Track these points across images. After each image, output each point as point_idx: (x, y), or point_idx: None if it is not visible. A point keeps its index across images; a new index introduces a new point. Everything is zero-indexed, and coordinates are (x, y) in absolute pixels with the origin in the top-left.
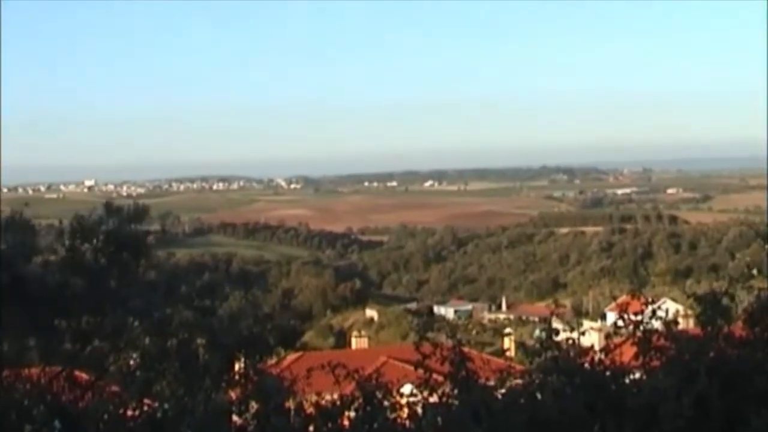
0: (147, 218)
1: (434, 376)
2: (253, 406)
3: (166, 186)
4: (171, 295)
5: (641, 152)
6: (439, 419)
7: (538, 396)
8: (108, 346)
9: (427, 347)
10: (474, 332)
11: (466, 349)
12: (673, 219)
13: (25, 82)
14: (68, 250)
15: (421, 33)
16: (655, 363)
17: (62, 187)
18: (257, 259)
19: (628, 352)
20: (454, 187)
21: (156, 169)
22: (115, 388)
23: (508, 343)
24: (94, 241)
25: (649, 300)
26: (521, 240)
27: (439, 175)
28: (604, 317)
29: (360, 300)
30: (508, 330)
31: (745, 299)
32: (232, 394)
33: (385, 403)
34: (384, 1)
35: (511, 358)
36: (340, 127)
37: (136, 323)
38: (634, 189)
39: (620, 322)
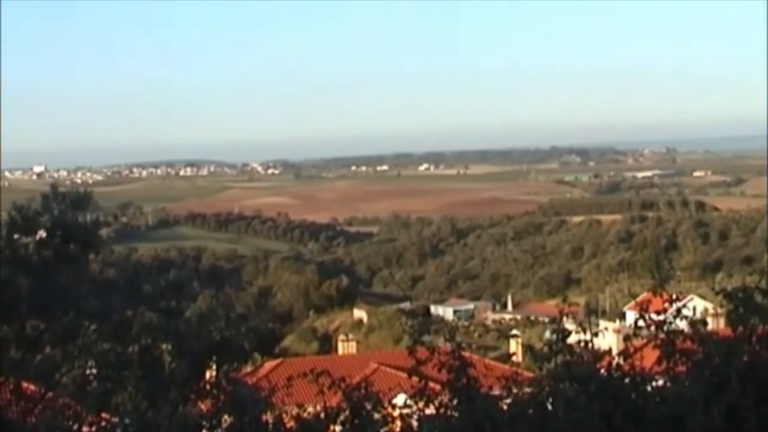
0: (91, 205)
1: (431, 384)
2: (226, 420)
3: (126, 172)
4: (132, 295)
5: (664, 130)
6: None
7: (549, 406)
8: (59, 354)
9: (422, 352)
10: (476, 335)
11: (466, 354)
12: (701, 205)
13: None
14: (7, 244)
15: None
16: (681, 368)
17: (7, 174)
18: (230, 254)
19: (649, 357)
20: (452, 171)
21: (115, 153)
22: (68, 401)
23: (514, 346)
24: (37, 233)
25: (674, 297)
26: (529, 230)
27: (436, 158)
28: (622, 317)
29: (347, 299)
30: (514, 332)
31: None
32: (203, 407)
33: (376, 415)
34: None
35: (517, 364)
36: (323, 104)
37: (92, 327)
38: (657, 172)
39: (641, 323)
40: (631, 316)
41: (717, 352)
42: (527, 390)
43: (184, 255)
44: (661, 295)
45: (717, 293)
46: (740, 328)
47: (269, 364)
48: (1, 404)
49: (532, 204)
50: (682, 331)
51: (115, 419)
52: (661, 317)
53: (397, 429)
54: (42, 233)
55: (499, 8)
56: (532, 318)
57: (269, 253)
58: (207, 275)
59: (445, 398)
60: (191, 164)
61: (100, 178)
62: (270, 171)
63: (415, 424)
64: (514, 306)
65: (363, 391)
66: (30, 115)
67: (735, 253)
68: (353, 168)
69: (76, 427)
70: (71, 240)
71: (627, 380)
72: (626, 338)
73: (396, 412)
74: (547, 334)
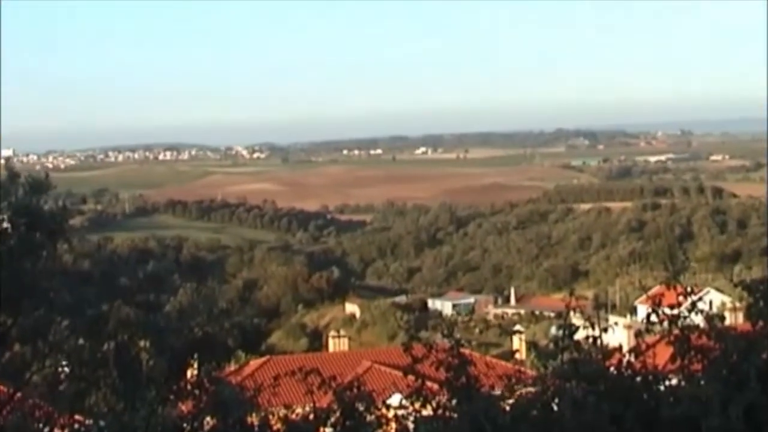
0: (62, 192)
1: (428, 384)
2: (209, 422)
3: (101, 156)
4: (107, 288)
5: (678, 111)
6: None
7: (554, 407)
8: (29, 351)
9: (419, 349)
10: (476, 331)
11: (466, 351)
12: (718, 192)
13: None
14: None
15: None
16: (696, 366)
17: None
18: (213, 244)
19: (662, 354)
20: (451, 156)
21: (89, 136)
22: (38, 402)
23: (517, 343)
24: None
25: (689, 290)
26: (533, 219)
27: (434, 141)
28: (633, 312)
29: (338, 293)
30: (517, 328)
31: None
32: (183, 408)
33: (369, 416)
34: None
35: (521, 362)
36: (312, 84)
37: (64, 322)
38: (670, 156)
39: (653, 318)
40: (642, 310)
41: (735, 348)
42: (531, 389)
43: (164, 245)
44: (675, 288)
45: (735, 286)
46: (760, 323)
47: (255, 363)
48: None
49: (536, 190)
50: (697, 327)
51: (89, 421)
52: (675, 312)
53: (392, 431)
54: (4, 221)
55: None
56: (537, 313)
57: (255, 244)
58: (188, 267)
59: (444, 398)
60: (171, 148)
61: (72, 162)
62: (256, 155)
63: (411, 426)
64: (518, 300)
65: (355, 390)
66: None
67: (754, 243)
68: (345, 152)
69: (47, 429)
70: (36, 228)
71: (638, 379)
72: (638, 334)
73: (391, 414)
74: (553, 330)
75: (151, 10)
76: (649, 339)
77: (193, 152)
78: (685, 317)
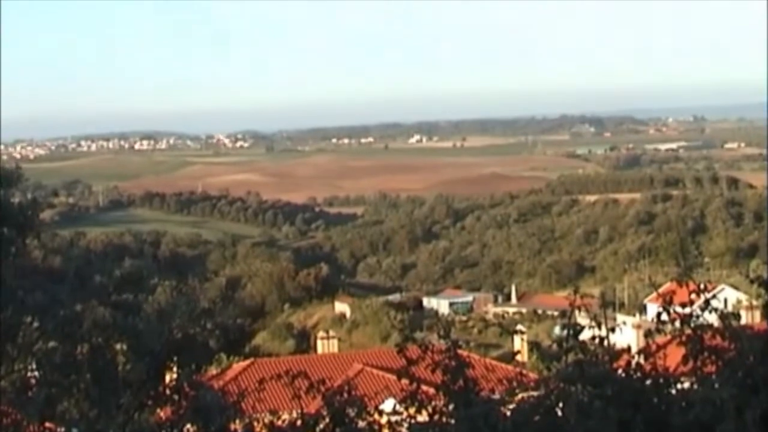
0: (30, 184)
1: (423, 387)
2: (189, 429)
3: (73, 145)
4: (81, 286)
5: (691, 96)
6: None
7: (558, 412)
8: None
9: (414, 351)
10: (475, 331)
11: (464, 353)
12: (734, 182)
13: None
14: None
15: None
16: (710, 368)
17: None
18: (193, 239)
19: (674, 355)
20: (447, 144)
21: (60, 124)
22: (6, 409)
23: (519, 344)
24: None
25: (702, 287)
26: (535, 211)
27: (429, 129)
28: (643, 310)
29: (327, 291)
30: (518, 328)
31: None
32: (162, 414)
33: (360, 423)
34: None
35: (522, 364)
36: (298, 67)
37: (34, 323)
38: (682, 144)
39: (664, 316)
40: (652, 309)
41: (752, 349)
42: (534, 393)
43: (141, 241)
44: (688, 285)
45: (752, 282)
46: None
47: (238, 366)
48: None
49: (538, 181)
50: (711, 326)
51: (61, 429)
52: (688, 310)
53: None
54: None
55: None
56: (540, 312)
57: (238, 239)
58: (167, 264)
59: (440, 403)
60: (148, 136)
61: (42, 152)
62: (238, 144)
63: None
64: (519, 298)
65: (346, 395)
66: None
67: None
68: (334, 140)
69: None
70: (4, 223)
71: (648, 382)
72: (647, 334)
73: (383, 420)
74: (557, 330)
75: None
76: (660, 339)
77: (172, 141)
78: (698, 316)
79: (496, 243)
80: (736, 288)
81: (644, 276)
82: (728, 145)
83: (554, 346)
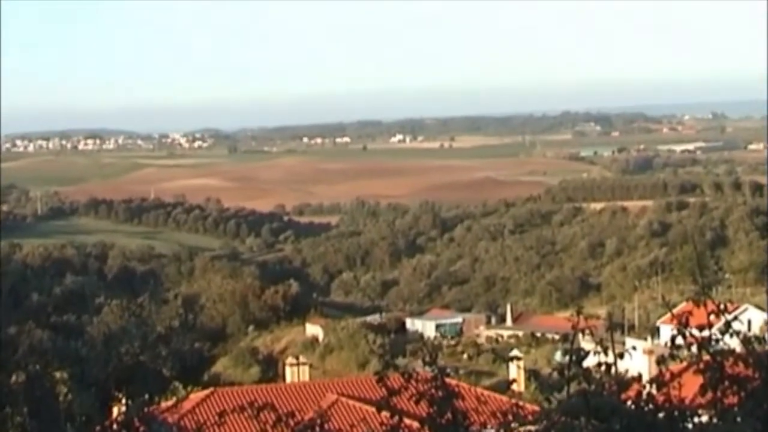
0: None
1: (406, 421)
2: None
3: (7, 145)
4: (15, 306)
5: (709, 91)
6: None
7: None
8: None
9: (395, 379)
10: (465, 357)
11: (453, 382)
12: (758, 188)
13: None
14: None
15: None
16: (731, 400)
17: None
18: (145, 252)
19: (690, 384)
20: (434, 144)
21: None
22: None
23: (514, 371)
24: None
25: (723, 307)
26: (534, 221)
27: (413, 127)
28: (655, 333)
29: (297, 311)
30: (514, 353)
31: None
32: None
33: None
34: None
35: (519, 394)
36: (265, 58)
37: None
38: (700, 144)
39: (679, 340)
40: (666, 331)
41: None
42: (532, 428)
43: (85, 254)
44: (706, 305)
45: None
46: None
47: (196, 396)
48: None
49: (537, 186)
50: (732, 352)
51: None
52: (706, 333)
53: None
54: None
55: None
56: (538, 335)
57: (195, 252)
58: (114, 281)
59: None
60: (93, 135)
61: None
62: (196, 144)
63: None
64: (515, 319)
65: (318, 429)
66: None
67: None
68: (305, 140)
69: None
70: None
71: (661, 415)
72: (660, 361)
73: None
74: (558, 356)
75: None
76: (674, 367)
77: (120, 141)
78: (717, 340)
79: (489, 257)
80: (761, 308)
81: (657, 294)
82: (752, 146)
83: (555, 374)
